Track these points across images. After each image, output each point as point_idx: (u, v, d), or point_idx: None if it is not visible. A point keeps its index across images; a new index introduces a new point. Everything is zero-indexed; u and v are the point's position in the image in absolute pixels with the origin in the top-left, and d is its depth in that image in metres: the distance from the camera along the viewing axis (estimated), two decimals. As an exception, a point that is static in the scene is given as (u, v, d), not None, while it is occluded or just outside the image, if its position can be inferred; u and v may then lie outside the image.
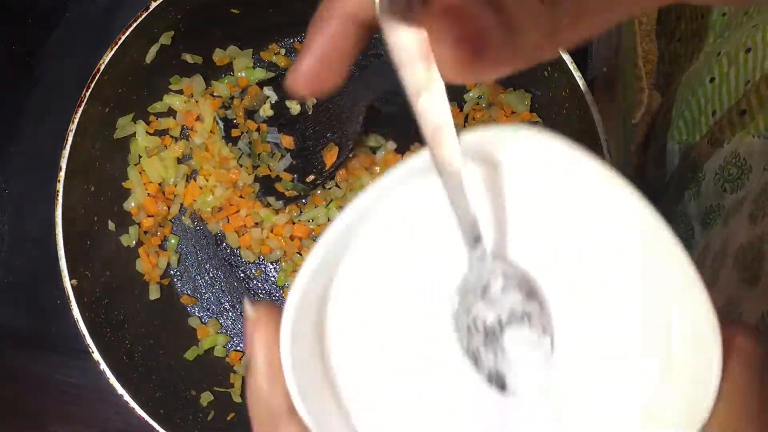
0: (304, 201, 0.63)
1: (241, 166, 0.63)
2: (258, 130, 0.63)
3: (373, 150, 0.64)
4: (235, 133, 0.63)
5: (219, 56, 0.64)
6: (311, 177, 0.62)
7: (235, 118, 0.63)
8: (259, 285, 0.64)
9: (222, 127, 0.63)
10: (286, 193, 0.62)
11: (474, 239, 0.27)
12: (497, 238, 0.29)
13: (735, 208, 0.52)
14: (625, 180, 0.25)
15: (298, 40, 0.65)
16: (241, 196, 0.63)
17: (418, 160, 0.26)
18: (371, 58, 0.65)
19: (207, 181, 0.63)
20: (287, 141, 0.62)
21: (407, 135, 0.64)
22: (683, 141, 0.66)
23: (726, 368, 0.26)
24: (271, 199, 0.62)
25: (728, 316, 0.47)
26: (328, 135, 0.61)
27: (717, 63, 0.61)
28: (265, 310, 0.28)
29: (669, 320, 0.27)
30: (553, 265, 0.29)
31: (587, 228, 0.28)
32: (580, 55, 0.57)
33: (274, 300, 0.64)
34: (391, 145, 0.64)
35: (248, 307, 0.28)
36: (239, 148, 0.63)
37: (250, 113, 0.63)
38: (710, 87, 0.62)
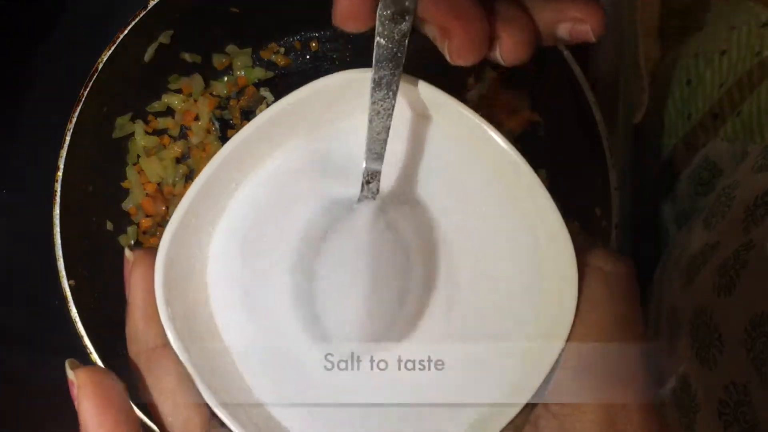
0: None
1: (238, 166, 0.63)
2: (255, 130, 0.62)
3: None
4: (231, 133, 0.63)
5: (219, 61, 0.64)
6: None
7: (232, 119, 0.63)
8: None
9: (218, 127, 0.63)
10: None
11: (371, 176, 0.30)
12: (397, 176, 0.31)
13: (699, 214, 0.52)
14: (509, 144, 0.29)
15: (297, 39, 0.65)
16: (239, 197, 0.63)
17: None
18: (372, 58, 0.65)
19: (203, 180, 0.63)
20: (285, 141, 0.62)
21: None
22: (661, 143, 0.66)
23: (584, 288, 0.27)
24: None
25: (671, 318, 0.47)
26: None
27: (693, 64, 0.61)
28: (143, 253, 0.29)
29: (538, 254, 0.30)
30: (441, 211, 0.31)
31: (473, 177, 0.31)
32: (582, 54, 0.57)
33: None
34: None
35: (127, 252, 0.30)
36: (236, 149, 0.63)
37: (247, 114, 0.63)
38: (687, 90, 0.62)
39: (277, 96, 0.63)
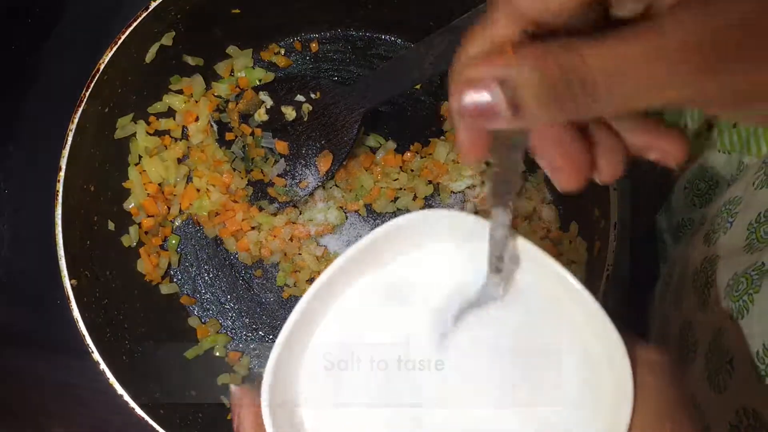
0: (295, 206, 0.63)
1: (234, 170, 0.63)
2: (252, 134, 0.63)
3: (373, 150, 0.64)
4: (229, 136, 0.63)
5: (222, 69, 0.64)
6: (305, 183, 0.62)
7: (230, 122, 0.63)
8: (260, 284, 0.64)
9: (216, 129, 0.63)
10: (279, 198, 0.62)
11: (497, 269, 0.34)
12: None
13: (698, 229, 0.52)
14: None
15: (297, 40, 0.65)
16: (234, 201, 0.63)
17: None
18: (371, 59, 0.65)
19: (201, 180, 0.63)
20: (281, 146, 0.62)
21: (406, 135, 0.64)
22: None
23: (636, 379, 0.31)
24: (263, 203, 0.62)
25: (685, 339, 0.48)
26: (322, 142, 0.61)
27: None
28: (246, 390, 0.34)
29: (587, 351, 0.33)
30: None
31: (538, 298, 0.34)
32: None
33: (275, 301, 0.64)
34: (391, 144, 0.64)
35: (233, 388, 0.35)
36: (233, 152, 0.63)
37: (245, 117, 0.63)
38: None
39: (276, 100, 0.63)
